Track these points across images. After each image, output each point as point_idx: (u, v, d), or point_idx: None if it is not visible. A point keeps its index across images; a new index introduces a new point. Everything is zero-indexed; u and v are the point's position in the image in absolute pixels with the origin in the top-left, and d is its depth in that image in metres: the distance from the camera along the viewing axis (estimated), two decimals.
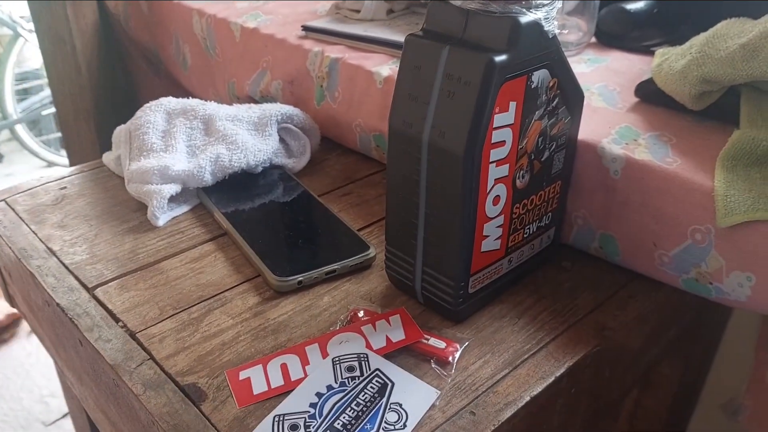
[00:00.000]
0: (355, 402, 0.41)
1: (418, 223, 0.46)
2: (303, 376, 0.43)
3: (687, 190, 0.45)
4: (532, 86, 0.42)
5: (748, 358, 0.72)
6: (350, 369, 0.44)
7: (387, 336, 0.46)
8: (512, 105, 0.41)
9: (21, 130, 2.50)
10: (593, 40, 0.71)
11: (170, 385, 0.43)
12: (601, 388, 0.52)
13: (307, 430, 0.40)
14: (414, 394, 0.42)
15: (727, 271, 0.45)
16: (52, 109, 2.43)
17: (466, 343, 0.46)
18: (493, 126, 0.41)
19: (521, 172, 0.45)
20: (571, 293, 0.52)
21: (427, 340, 0.46)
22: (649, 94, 0.55)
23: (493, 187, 0.44)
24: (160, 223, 0.60)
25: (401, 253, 0.49)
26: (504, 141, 0.42)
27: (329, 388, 0.42)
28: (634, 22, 0.68)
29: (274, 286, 0.51)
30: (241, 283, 0.52)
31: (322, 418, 0.40)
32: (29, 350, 1.62)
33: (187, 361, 0.45)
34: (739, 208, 0.43)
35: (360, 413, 0.41)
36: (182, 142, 0.64)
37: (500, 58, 0.39)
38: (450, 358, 0.45)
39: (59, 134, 2.32)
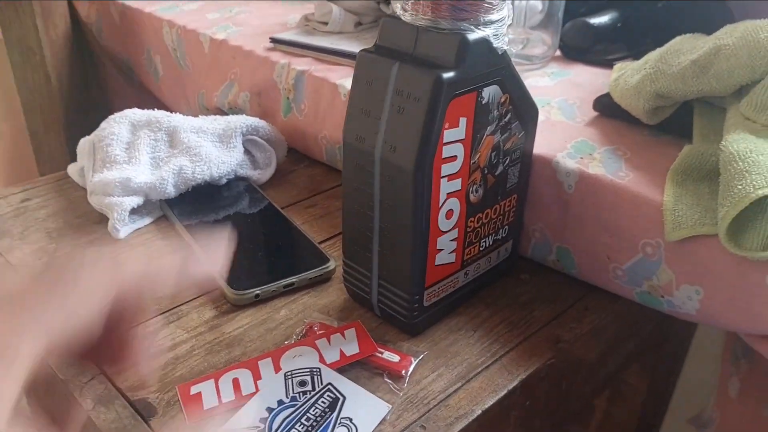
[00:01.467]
0: (305, 417, 0.41)
1: (372, 237, 0.46)
2: (254, 390, 0.43)
3: (638, 204, 0.46)
4: (483, 102, 0.42)
5: (715, 369, 0.72)
6: (302, 383, 0.44)
7: (341, 350, 0.46)
8: (462, 121, 0.42)
9: None
10: (558, 53, 0.72)
11: (120, 401, 0.43)
12: (559, 400, 0.52)
13: None
14: (365, 408, 0.42)
15: (677, 284, 0.45)
16: None
17: (421, 357, 0.47)
18: (444, 141, 0.41)
19: (474, 187, 0.45)
20: (529, 305, 0.52)
21: (381, 353, 0.46)
22: (606, 108, 0.56)
23: (445, 201, 0.44)
24: (121, 235, 0.59)
25: (357, 266, 0.49)
26: (455, 156, 0.43)
27: (280, 403, 0.42)
28: (597, 36, 0.69)
29: (231, 300, 0.51)
30: (198, 297, 0.52)
31: None
32: None
33: (139, 376, 0.45)
34: (687, 222, 0.43)
35: (310, 428, 0.41)
36: (146, 153, 0.64)
37: (448, 75, 0.39)
38: (403, 372, 0.45)
39: None
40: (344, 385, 0.44)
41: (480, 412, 0.43)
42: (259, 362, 0.45)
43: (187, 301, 0.52)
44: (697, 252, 0.44)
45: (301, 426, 0.41)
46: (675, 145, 0.51)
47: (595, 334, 0.52)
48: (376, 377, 0.45)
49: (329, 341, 0.47)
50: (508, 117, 0.45)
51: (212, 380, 0.44)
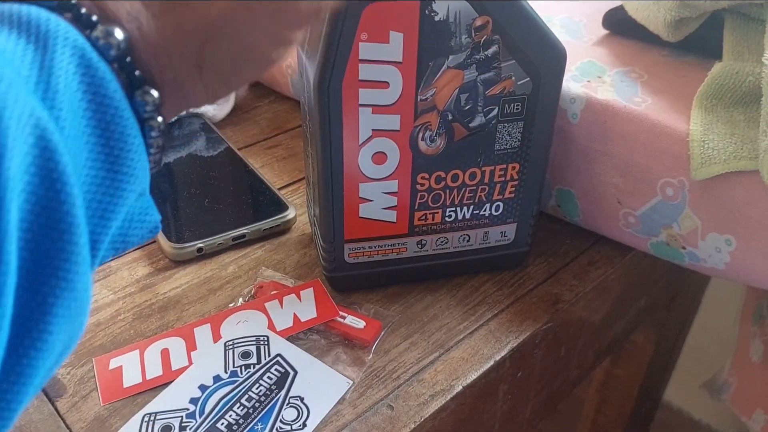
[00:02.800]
0: (246, 396, 0.34)
1: (309, 162, 0.39)
2: (187, 364, 0.36)
3: (657, 136, 0.37)
4: (436, 18, 0.32)
5: (727, 329, 0.65)
6: (245, 355, 0.36)
7: (295, 314, 0.38)
8: (396, 36, 0.32)
9: None
10: None
11: None
12: (556, 368, 0.45)
13: (183, 431, 0.32)
14: (320, 386, 0.35)
15: (702, 233, 0.37)
16: None
17: (391, 322, 0.39)
18: (360, 57, 0.32)
19: (428, 133, 0.36)
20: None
21: (344, 318, 0.38)
22: (618, 24, 0.47)
23: (370, 139, 0.35)
24: None
25: (309, 195, 0.41)
26: (386, 82, 0.33)
27: (216, 379, 0.35)
28: None
29: (170, 254, 0.43)
30: (131, 251, 0.44)
31: (204, 416, 0.33)
32: None
33: None
34: (719, 156, 0.35)
35: (251, 410, 0.33)
36: None
37: None
38: (369, 340, 0.37)
39: None
40: (297, 356, 0.36)
41: (461, 388, 0.35)
42: (195, 329, 0.37)
43: (117, 257, 0.44)
44: (730, 193, 0.35)
45: (241, 408, 0.33)
46: (701, 66, 0.42)
47: (600, 292, 0.44)
48: (336, 347, 0.37)
49: (281, 304, 0.39)
50: (491, 50, 0.34)
51: (137, 351, 0.36)
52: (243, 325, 0.38)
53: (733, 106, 0.37)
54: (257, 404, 0.33)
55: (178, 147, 0.54)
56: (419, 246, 0.40)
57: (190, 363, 0.36)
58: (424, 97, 0.34)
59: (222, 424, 0.32)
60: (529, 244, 0.42)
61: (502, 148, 0.37)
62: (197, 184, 0.50)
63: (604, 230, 0.44)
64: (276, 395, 0.34)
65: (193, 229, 0.44)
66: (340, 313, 0.38)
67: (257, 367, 0.35)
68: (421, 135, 0.35)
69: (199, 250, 0.43)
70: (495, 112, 0.36)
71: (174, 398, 0.34)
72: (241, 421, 0.33)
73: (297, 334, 0.37)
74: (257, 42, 0.23)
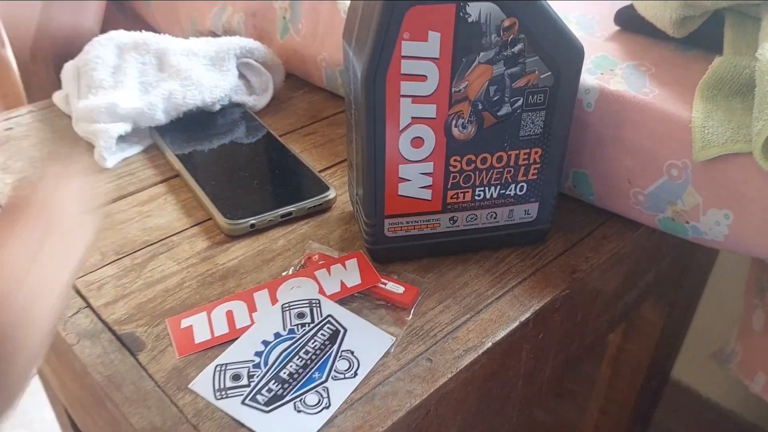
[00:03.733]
0: (303, 350, 0.39)
1: (352, 151, 0.44)
2: (249, 323, 0.41)
3: (663, 122, 0.42)
4: (469, 20, 0.37)
5: (735, 303, 0.69)
6: (300, 315, 0.41)
7: (342, 281, 0.43)
8: (434, 36, 0.37)
9: None
10: None
11: (107, 335, 0.40)
12: (573, 333, 0.50)
13: (251, 379, 0.37)
14: (367, 341, 0.39)
15: (704, 208, 0.42)
16: None
17: (427, 288, 0.44)
18: (402, 54, 0.37)
19: (460, 120, 0.40)
20: None
21: (385, 284, 0.43)
22: (629, 21, 0.51)
23: (410, 125, 0.40)
24: (108, 164, 0.56)
25: (352, 185, 0.46)
26: (424, 76, 0.38)
27: (277, 335, 0.40)
28: None
29: (225, 230, 0.48)
30: (190, 227, 0.49)
31: (268, 367, 0.38)
32: None
33: (127, 309, 0.42)
34: (717, 140, 0.39)
35: (309, 361, 0.38)
36: (134, 78, 0.60)
37: None
38: (408, 303, 0.42)
39: None
40: (345, 317, 0.41)
41: (490, 344, 0.40)
42: (254, 294, 0.42)
43: (178, 232, 0.49)
44: (728, 172, 0.40)
45: (300, 359, 0.38)
46: (704, 60, 0.46)
47: (612, 264, 0.49)
48: (379, 309, 0.42)
49: (329, 272, 0.44)
50: (518, 47, 0.39)
51: (204, 313, 0.41)
52: (296, 290, 0.43)
53: (731, 96, 0.42)
54: (314, 356, 0.38)
55: (222, 134, 0.59)
56: (451, 222, 0.45)
57: (252, 323, 0.41)
58: (457, 89, 0.39)
59: (284, 372, 0.37)
60: (549, 222, 0.47)
61: (526, 134, 0.42)
62: (245, 167, 0.55)
63: (616, 208, 0.48)
64: (329, 349, 0.39)
65: (246, 208, 0.49)
66: (382, 280, 0.43)
67: (311, 325, 0.40)
68: (454, 122, 0.40)
69: (252, 225, 0.48)
70: (520, 102, 0.40)
71: (241, 351, 0.39)
72: (300, 370, 0.38)
73: (344, 299, 0.42)
74: None
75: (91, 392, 0.40)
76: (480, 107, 0.40)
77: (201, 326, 0.40)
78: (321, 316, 0.41)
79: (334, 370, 0.38)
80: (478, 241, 0.46)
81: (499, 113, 0.40)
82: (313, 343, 0.39)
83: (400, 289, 0.43)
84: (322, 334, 0.40)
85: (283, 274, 0.45)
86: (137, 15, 0.94)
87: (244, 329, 0.40)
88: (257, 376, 0.37)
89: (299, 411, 0.35)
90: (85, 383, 0.40)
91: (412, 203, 0.43)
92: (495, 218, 0.45)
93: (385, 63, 0.37)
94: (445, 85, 0.39)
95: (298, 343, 0.39)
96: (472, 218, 0.45)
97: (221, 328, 0.40)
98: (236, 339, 0.40)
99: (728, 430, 1.14)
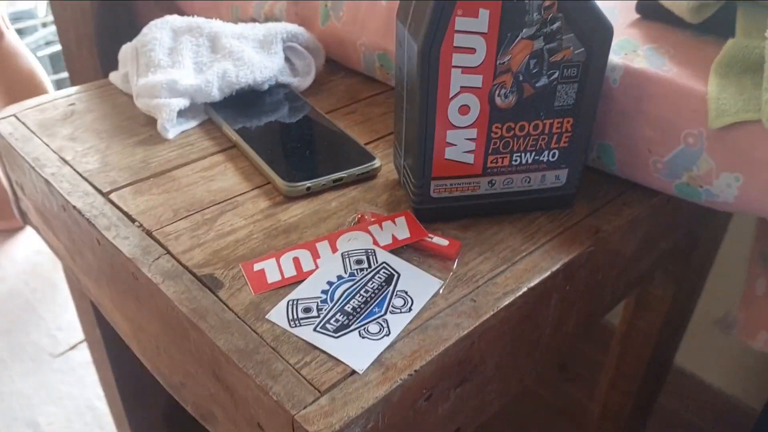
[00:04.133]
0: (363, 289, 0.44)
1: (402, 120, 0.49)
2: (314, 267, 0.46)
3: (681, 95, 0.47)
4: None
5: (739, 281, 0.74)
6: (359, 262, 0.46)
7: (393, 234, 0.49)
8: (484, 13, 0.42)
9: None
10: None
11: (188, 276, 0.45)
12: (594, 290, 0.55)
13: (320, 312, 0.42)
14: (419, 283, 0.45)
15: (716, 172, 0.47)
16: (47, 50, 2.41)
17: (468, 243, 0.49)
18: (456, 29, 0.42)
19: (503, 90, 0.45)
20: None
21: (431, 238, 0.48)
22: (648, 9, 0.56)
23: (458, 94, 0.45)
24: (170, 135, 0.61)
25: (398, 149, 0.51)
26: (473, 48, 0.43)
27: (339, 277, 0.45)
28: None
29: (284, 191, 0.53)
30: (251, 190, 0.54)
31: (333, 302, 0.43)
32: (33, 285, 1.66)
33: (203, 255, 0.47)
34: (730, 110, 0.45)
35: (369, 299, 0.43)
36: (189, 58, 0.65)
37: None
38: (452, 254, 0.47)
39: (53, 76, 2.30)
40: (398, 263, 0.46)
41: (526, 289, 0.45)
42: (316, 244, 0.48)
43: (241, 194, 0.54)
44: (738, 139, 0.45)
45: (361, 297, 0.43)
46: (718, 45, 0.52)
47: (632, 227, 0.54)
48: (427, 259, 0.47)
49: (381, 227, 0.49)
50: (556, 25, 0.44)
51: (273, 259, 0.47)
52: (353, 241, 0.48)
53: (742, 74, 0.47)
54: (373, 295, 0.44)
55: (271, 111, 0.65)
56: (489, 185, 0.50)
57: (317, 267, 0.46)
58: (501, 62, 0.44)
59: (348, 307, 0.43)
60: (577, 187, 0.52)
61: (560, 104, 0.47)
62: (296, 139, 0.60)
63: (637, 177, 0.53)
64: (386, 289, 0.44)
65: (301, 172, 0.54)
66: (428, 234, 0.49)
67: (369, 270, 0.45)
68: (497, 92, 0.45)
69: (308, 188, 0.53)
70: (556, 75, 0.45)
71: (309, 289, 0.44)
72: (362, 305, 0.43)
73: (395, 249, 0.48)
74: None
75: (173, 326, 0.45)
76: (521, 78, 0.45)
77: (272, 269, 0.46)
78: (377, 263, 0.46)
79: (392, 306, 0.43)
80: (513, 204, 0.51)
81: (537, 84, 0.46)
82: (371, 284, 0.44)
83: (445, 242, 0.48)
84: (378, 277, 0.45)
85: (339, 229, 0.50)
86: (175, 6, 0.99)
87: (310, 272, 0.45)
88: (325, 310, 0.42)
89: (363, 337, 0.41)
90: (167, 318, 0.45)
91: (456, 166, 0.48)
92: (529, 182, 0.50)
93: (441, 36, 0.42)
94: (491, 58, 0.44)
95: (359, 283, 0.44)
96: (508, 182, 0.50)
97: (289, 271, 0.45)
98: (303, 280, 0.45)
99: (730, 416, 1.19)
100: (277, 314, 0.42)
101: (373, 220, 0.50)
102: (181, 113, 0.63)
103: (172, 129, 0.61)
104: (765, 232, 0.63)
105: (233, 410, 0.43)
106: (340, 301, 0.43)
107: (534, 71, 0.45)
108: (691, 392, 1.23)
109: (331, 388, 0.38)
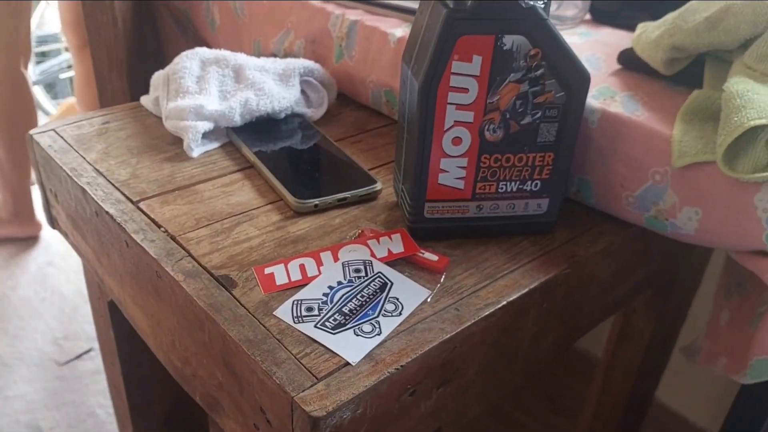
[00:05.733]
0: (360, 294, 0.50)
1: (402, 148, 0.55)
2: (318, 274, 0.52)
3: (650, 137, 0.53)
4: (504, 48, 0.49)
5: None
6: (357, 270, 0.52)
7: (389, 248, 0.54)
8: (477, 59, 0.49)
9: (38, 91, 2.57)
10: (588, 17, 0.79)
11: (206, 275, 0.51)
12: (571, 310, 0.60)
13: (320, 311, 0.48)
14: (409, 292, 0.50)
15: (679, 206, 0.53)
16: (70, 73, 2.51)
17: (455, 260, 0.55)
18: (452, 71, 0.49)
19: (492, 126, 0.52)
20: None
21: (422, 253, 0.54)
22: (629, 61, 0.63)
23: (452, 127, 0.51)
24: (195, 154, 0.68)
25: (397, 173, 0.58)
26: (467, 88, 0.50)
27: (339, 283, 0.51)
28: (626, 2, 0.76)
29: (294, 207, 0.59)
30: (265, 205, 0.61)
31: (333, 304, 0.49)
32: (43, 295, 1.71)
33: (220, 258, 0.53)
34: (690, 151, 0.51)
35: (364, 303, 0.49)
36: (215, 86, 0.72)
37: (459, 14, 0.47)
38: (440, 269, 0.53)
39: (74, 98, 2.39)
40: (392, 274, 0.52)
41: (505, 302, 0.51)
42: (321, 253, 0.54)
43: (256, 208, 0.60)
44: (698, 177, 0.51)
45: (357, 301, 0.49)
46: (687, 95, 0.58)
47: (606, 254, 0.60)
48: (418, 272, 0.53)
49: (378, 242, 0.55)
50: (540, 71, 0.50)
51: (282, 264, 0.52)
52: (353, 253, 0.54)
53: (704, 121, 0.53)
54: (368, 299, 0.49)
55: (286, 137, 0.71)
56: (477, 209, 0.56)
57: (320, 273, 0.52)
58: (491, 101, 0.51)
59: (346, 308, 0.48)
60: (557, 216, 0.58)
61: (543, 140, 0.53)
62: (307, 162, 0.66)
63: (612, 209, 0.59)
64: (380, 295, 0.50)
65: (310, 191, 0.60)
66: (420, 250, 0.54)
67: (365, 278, 0.51)
68: (487, 127, 0.52)
69: (315, 205, 0.59)
70: (539, 114, 0.52)
71: (312, 292, 0.50)
72: (358, 308, 0.48)
73: (390, 262, 0.53)
74: None
75: (190, 320, 0.51)
76: (508, 116, 0.51)
77: (280, 273, 0.51)
78: (373, 272, 0.52)
79: (384, 310, 0.49)
80: (498, 228, 0.57)
81: (522, 122, 0.52)
82: (367, 290, 0.50)
83: (435, 258, 0.54)
84: (374, 284, 0.51)
85: (342, 241, 0.56)
86: (199, 38, 1.07)
87: (314, 278, 0.51)
88: (325, 310, 0.48)
89: (358, 335, 0.46)
90: (185, 313, 0.51)
91: (448, 191, 0.55)
92: (513, 209, 0.56)
93: (439, 77, 0.49)
94: (482, 97, 0.50)
95: (356, 289, 0.50)
96: (494, 207, 0.56)
97: (296, 276, 0.51)
98: (308, 284, 0.51)
99: None
100: (283, 311, 0.48)
101: (371, 235, 0.56)
102: (206, 135, 0.70)
103: (196, 148, 0.68)
104: (729, 268, 0.68)
105: (239, 396, 0.49)
106: (338, 303, 0.49)
107: (520, 110, 0.51)
108: (674, 431, 1.26)
109: (327, 375, 0.43)
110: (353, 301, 0.49)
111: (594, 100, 0.57)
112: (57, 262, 1.83)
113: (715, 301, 0.69)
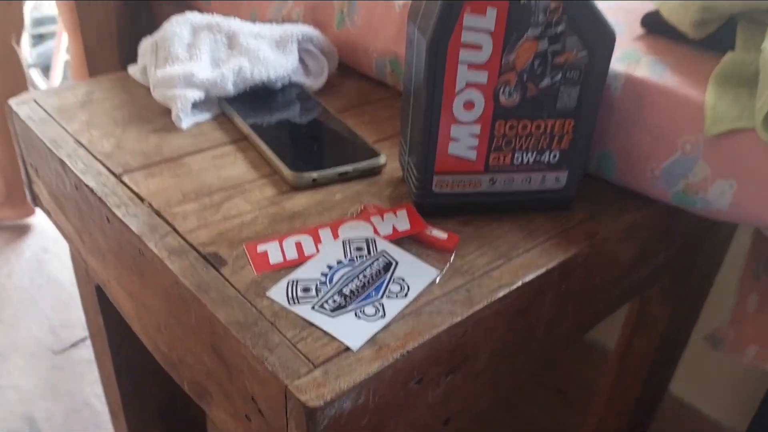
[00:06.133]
0: (362, 274, 0.45)
1: (408, 114, 0.50)
2: (316, 252, 0.47)
3: (680, 104, 0.49)
4: (522, 0, 0.44)
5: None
6: (359, 249, 0.47)
7: (393, 225, 0.50)
8: (491, 11, 0.44)
9: (35, 74, 2.53)
10: None
11: (193, 253, 0.47)
12: (589, 293, 0.56)
13: (318, 292, 0.43)
14: (416, 272, 0.46)
15: (711, 179, 0.48)
16: (66, 57, 2.46)
17: (467, 237, 0.50)
18: (464, 25, 0.44)
19: (507, 88, 0.47)
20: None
21: (430, 231, 0.50)
22: (654, 24, 0.58)
23: (464, 89, 0.46)
24: (184, 125, 0.63)
25: (403, 144, 0.53)
26: (480, 45, 0.45)
27: (339, 262, 0.46)
28: None
29: (291, 181, 0.55)
30: (259, 179, 0.56)
31: (332, 284, 0.44)
32: (39, 282, 1.67)
33: (209, 235, 0.49)
34: (726, 117, 0.46)
35: (366, 283, 0.44)
36: (206, 53, 0.67)
37: None
38: (450, 247, 0.49)
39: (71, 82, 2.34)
40: (397, 252, 0.47)
41: (520, 283, 0.46)
42: (319, 230, 0.49)
43: (249, 181, 0.55)
44: (733, 146, 0.46)
45: (359, 281, 0.44)
46: (718, 60, 0.53)
47: (629, 233, 0.55)
48: (426, 250, 0.49)
49: (382, 218, 0.50)
50: (560, 28, 0.46)
51: (276, 242, 0.48)
52: (355, 230, 0.49)
53: (739, 86, 0.48)
54: (371, 280, 0.45)
55: (283, 107, 0.66)
56: (491, 183, 0.51)
57: (318, 251, 0.47)
58: (507, 60, 0.46)
59: (346, 289, 0.44)
60: (576, 191, 0.53)
61: (563, 106, 0.48)
62: (305, 134, 0.62)
63: (635, 184, 0.55)
64: (384, 275, 0.45)
65: (309, 164, 0.56)
66: (428, 227, 0.50)
67: (368, 257, 0.47)
68: (502, 89, 0.47)
69: (314, 179, 0.55)
70: (559, 76, 0.47)
71: (309, 271, 0.45)
72: (360, 289, 0.44)
73: (395, 240, 0.49)
74: None
75: (176, 301, 0.46)
76: (525, 78, 0.47)
77: (274, 252, 0.47)
78: (376, 251, 0.47)
79: (388, 291, 0.44)
80: (513, 203, 0.53)
81: (540, 85, 0.47)
82: (369, 270, 0.46)
83: (444, 236, 0.49)
84: (377, 263, 0.46)
85: (343, 218, 0.51)
86: (193, 9, 1.02)
87: (311, 256, 0.47)
88: (324, 291, 0.44)
89: (359, 318, 0.42)
90: (171, 293, 0.47)
91: (458, 163, 0.50)
92: (529, 182, 0.52)
93: (449, 32, 0.44)
94: (497, 56, 0.46)
95: (358, 269, 0.46)
96: (509, 181, 0.51)
97: (291, 254, 0.47)
98: (304, 263, 0.46)
99: None
100: (277, 292, 0.43)
101: (375, 211, 0.51)
102: (196, 106, 0.65)
103: (186, 119, 0.63)
104: (757, 248, 0.63)
105: (228, 384, 0.44)
106: (338, 284, 0.44)
107: (538, 71, 0.47)
108: (688, 423, 1.23)
109: (325, 362, 0.39)
110: (355, 281, 0.45)
111: (617, 64, 0.53)
112: (52, 248, 1.79)
113: (741, 285, 0.65)
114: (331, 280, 0.44)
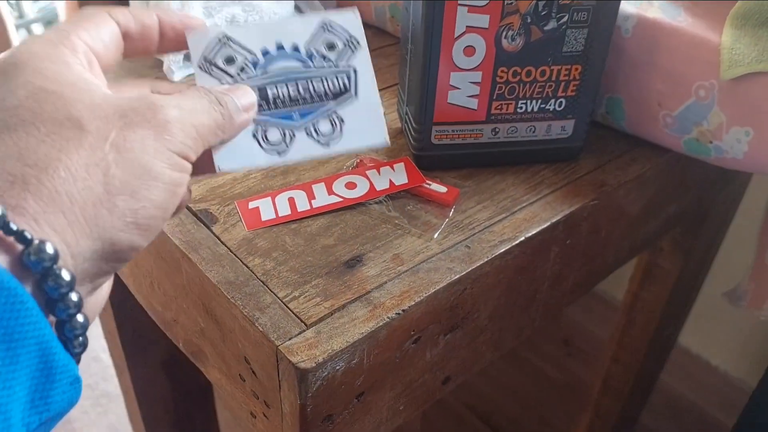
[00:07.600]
0: (303, 84, 0.35)
1: (407, 59, 0.48)
2: (309, 208, 0.45)
3: (694, 46, 0.46)
4: None
5: (751, 254, 0.72)
6: (330, 46, 0.36)
7: (390, 179, 0.48)
8: None
9: (37, 30, 2.49)
10: None
11: (183, 210, 0.45)
12: (597, 247, 0.54)
13: (240, 72, 0.35)
14: (363, 125, 0.36)
15: (727, 126, 0.46)
16: None
17: (467, 191, 0.48)
18: None
19: (510, 32, 0.44)
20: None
21: (429, 185, 0.48)
22: None
23: (464, 34, 0.44)
24: (176, 78, 0.61)
25: (401, 94, 0.51)
26: None
27: (294, 49, 0.35)
28: None
29: None
30: None
31: (263, 72, 0.34)
32: None
33: (199, 191, 0.47)
34: (743, 60, 0.43)
35: (298, 98, 0.35)
36: (198, 1, 0.65)
37: None
38: (450, 201, 0.47)
39: None
40: (367, 85, 0.37)
41: (523, 238, 0.45)
42: (313, 185, 0.47)
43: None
44: (750, 91, 0.44)
45: (293, 89, 0.35)
46: (733, 3, 0.50)
47: (638, 184, 0.53)
48: (425, 205, 0.47)
49: (379, 172, 0.48)
50: None
51: (269, 198, 0.46)
52: (350, 182, 0.47)
53: (758, 27, 0.45)
54: (306, 98, 0.35)
55: None
56: (493, 133, 0.49)
57: (311, 207, 0.45)
58: (509, 2, 0.43)
59: (270, 89, 0.34)
60: (583, 140, 0.51)
61: (569, 50, 0.46)
62: None
63: (645, 132, 0.52)
64: (326, 101, 0.35)
65: None
66: (426, 180, 0.48)
67: (330, 66, 0.35)
68: (504, 33, 0.44)
69: None
70: (565, 18, 0.44)
71: (251, 38, 0.34)
72: (285, 100, 0.34)
73: (392, 194, 0.47)
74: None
75: (167, 260, 0.45)
76: (529, 21, 0.44)
77: (266, 208, 0.45)
78: (347, 64, 0.36)
79: (312, 125, 0.35)
80: (517, 155, 0.50)
81: (545, 28, 0.44)
82: (320, 84, 0.35)
83: (443, 189, 0.47)
84: (332, 82, 0.35)
85: (338, 173, 0.49)
86: None
87: (305, 213, 0.45)
88: (248, 73, 0.34)
89: (255, 137, 0.34)
90: (161, 252, 0.45)
91: (458, 112, 0.47)
92: (534, 132, 0.49)
93: None
94: None
95: (305, 73, 0.35)
96: (512, 131, 0.49)
97: (284, 210, 0.45)
98: (298, 219, 0.44)
99: (736, 400, 1.17)
100: (195, 44, 0.36)
101: (371, 165, 0.49)
102: (188, 57, 0.63)
103: (178, 71, 0.61)
104: None
105: (221, 345, 0.43)
106: (267, 77, 0.34)
107: (543, 13, 0.44)
108: (696, 374, 1.22)
109: (317, 321, 0.38)
110: (289, 86, 0.35)
111: (628, 5, 0.49)
112: None
113: (760, 237, 0.63)
114: (264, 67, 0.34)
